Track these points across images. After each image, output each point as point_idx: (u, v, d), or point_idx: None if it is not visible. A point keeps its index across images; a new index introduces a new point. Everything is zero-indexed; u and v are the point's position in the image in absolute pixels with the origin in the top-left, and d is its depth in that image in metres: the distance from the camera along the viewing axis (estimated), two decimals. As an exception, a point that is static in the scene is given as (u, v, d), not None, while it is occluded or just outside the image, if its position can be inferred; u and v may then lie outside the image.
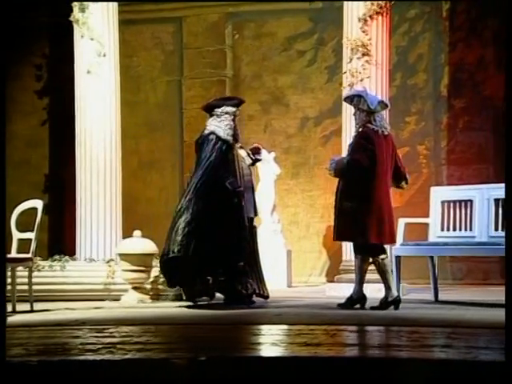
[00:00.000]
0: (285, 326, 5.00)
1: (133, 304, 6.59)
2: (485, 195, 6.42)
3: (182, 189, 10.55)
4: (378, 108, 5.96)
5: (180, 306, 6.34)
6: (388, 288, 5.89)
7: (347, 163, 5.89)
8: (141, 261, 6.76)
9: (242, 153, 6.51)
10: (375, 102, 5.95)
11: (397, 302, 5.89)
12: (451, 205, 6.57)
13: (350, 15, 7.58)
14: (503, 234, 6.23)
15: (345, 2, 7.67)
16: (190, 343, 4.16)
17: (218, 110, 6.39)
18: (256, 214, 6.56)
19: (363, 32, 7.47)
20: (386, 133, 5.95)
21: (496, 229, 6.31)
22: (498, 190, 6.44)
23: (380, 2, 7.46)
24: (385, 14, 7.51)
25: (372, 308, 5.92)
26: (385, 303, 5.91)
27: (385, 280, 5.90)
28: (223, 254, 6.19)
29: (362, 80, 7.50)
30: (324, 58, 9.66)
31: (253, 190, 6.53)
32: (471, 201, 6.45)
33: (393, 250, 6.53)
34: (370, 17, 7.45)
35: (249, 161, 6.57)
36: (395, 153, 6.03)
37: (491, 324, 4.93)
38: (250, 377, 3.48)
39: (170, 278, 6.31)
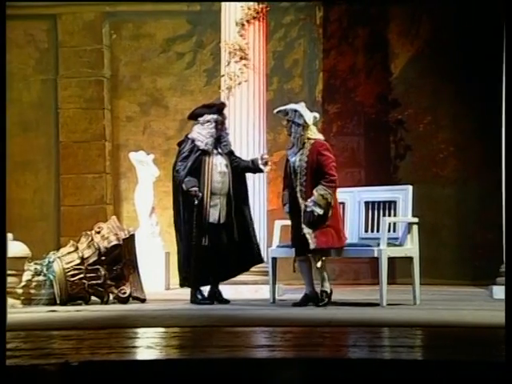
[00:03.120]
0: (161, 329, 4.99)
1: (3, 309, 6.37)
2: (356, 198, 6.63)
3: (57, 190, 10.34)
4: (314, 121, 6.33)
5: (52, 311, 6.20)
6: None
7: (330, 186, 6.10)
8: (12, 265, 6.54)
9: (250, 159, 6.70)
10: (311, 116, 6.29)
11: (313, 299, 6.27)
12: (325, 207, 6.74)
13: (228, 19, 7.67)
14: (373, 235, 6.48)
15: (222, 6, 7.75)
16: (62, 348, 4.08)
17: (201, 119, 6.59)
18: (220, 221, 6.60)
19: (241, 36, 7.58)
20: None
21: (366, 230, 6.54)
22: (368, 193, 6.69)
23: (256, 7, 7.59)
24: (261, 19, 7.65)
25: (294, 304, 6.25)
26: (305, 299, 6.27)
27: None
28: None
29: (239, 83, 7.60)
30: (203, 61, 9.71)
31: (229, 197, 6.59)
32: (343, 203, 6.65)
33: (269, 252, 6.64)
34: (247, 21, 7.57)
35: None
36: None
37: (360, 322, 5.12)
38: (123, 381, 3.45)
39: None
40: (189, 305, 6.61)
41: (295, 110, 6.22)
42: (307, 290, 6.32)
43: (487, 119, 8.57)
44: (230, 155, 6.68)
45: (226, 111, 6.88)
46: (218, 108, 6.68)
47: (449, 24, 9.38)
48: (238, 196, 6.61)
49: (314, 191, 6.12)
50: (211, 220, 6.51)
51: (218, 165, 6.57)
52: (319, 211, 6.05)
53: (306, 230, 6.10)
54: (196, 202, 6.41)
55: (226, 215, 6.53)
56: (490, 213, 8.50)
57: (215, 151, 6.59)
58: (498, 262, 7.36)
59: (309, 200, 6.11)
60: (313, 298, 6.27)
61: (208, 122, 6.57)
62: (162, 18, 9.74)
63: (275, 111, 6.44)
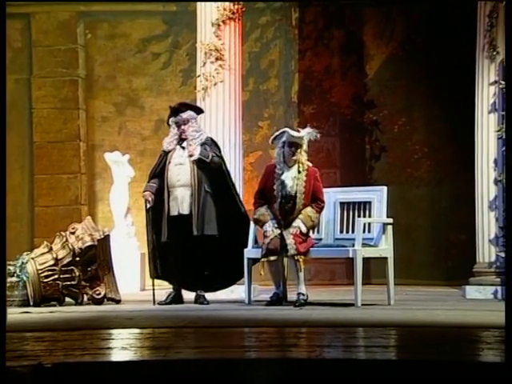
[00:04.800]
0: (136, 330, 4.97)
1: (-25, 311, 6.31)
2: (331, 199, 6.67)
3: (31, 191, 10.25)
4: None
5: (26, 312, 6.16)
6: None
7: (319, 211, 6.45)
8: (-15, 266, 6.48)
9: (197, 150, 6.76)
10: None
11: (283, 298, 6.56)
12: (300, 208, 6.76)
13: (204, 20, 7.67)
14: (348, 236, 6.52)
15: (198, 7, 7.75)
16: (36, 350, 4.05)
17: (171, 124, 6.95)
18: (180, 212, 6.75)
19: (216, 37, 7.59)
20: None
21: (341, 231, 6.58)
22: (344, 194, 6.73)
23: (232, 8, 7.60)
24: (237, 20, 7.66)
25: (268, 304, 6.44)
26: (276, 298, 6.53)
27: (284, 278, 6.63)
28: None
29: (215, 84, 7.60)
30: (179, 62, 9.70)
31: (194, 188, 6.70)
32: (319, 204, 6.67)
33: (245, 253, 6.65)
34: (223, 22, 7.57)
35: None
36: None
37: (335, 323, 5.15)
38: (98, 383, 3.44)
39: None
40: (163, 306, 6.61)
41: (302, 137, 6.47)
42: (278, 290, 6.50)
43: (461, 120, 8.65)
44: (201, 148, 6.72)
45: (196, 109, 6.98)
46: (172, 110, 6.88)
47: (423, 26, 9.46)
48: (209, 187, 6.68)
49: (303, 211, 6.41)
50: (172, 213, 6.69)
51: (176, 158, 6.76)
52: (304, 229, 6.37)
53: (290, 240, 6.34)
54: (147, 206, 6.80)
55: (189, 207, 6.63)
56: (464, 213, 8.58)
57: (178, 147, 6.79)
58: (471, 262, 7.43)
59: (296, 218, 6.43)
60: (283, 297, 6.50)
61: (171, 126, 6.87)
62: (137, 17, 9.71)
63: (298, 134, 6.50)
